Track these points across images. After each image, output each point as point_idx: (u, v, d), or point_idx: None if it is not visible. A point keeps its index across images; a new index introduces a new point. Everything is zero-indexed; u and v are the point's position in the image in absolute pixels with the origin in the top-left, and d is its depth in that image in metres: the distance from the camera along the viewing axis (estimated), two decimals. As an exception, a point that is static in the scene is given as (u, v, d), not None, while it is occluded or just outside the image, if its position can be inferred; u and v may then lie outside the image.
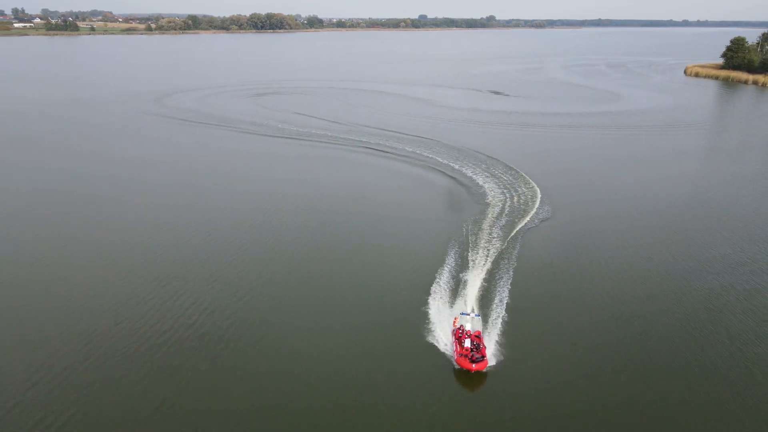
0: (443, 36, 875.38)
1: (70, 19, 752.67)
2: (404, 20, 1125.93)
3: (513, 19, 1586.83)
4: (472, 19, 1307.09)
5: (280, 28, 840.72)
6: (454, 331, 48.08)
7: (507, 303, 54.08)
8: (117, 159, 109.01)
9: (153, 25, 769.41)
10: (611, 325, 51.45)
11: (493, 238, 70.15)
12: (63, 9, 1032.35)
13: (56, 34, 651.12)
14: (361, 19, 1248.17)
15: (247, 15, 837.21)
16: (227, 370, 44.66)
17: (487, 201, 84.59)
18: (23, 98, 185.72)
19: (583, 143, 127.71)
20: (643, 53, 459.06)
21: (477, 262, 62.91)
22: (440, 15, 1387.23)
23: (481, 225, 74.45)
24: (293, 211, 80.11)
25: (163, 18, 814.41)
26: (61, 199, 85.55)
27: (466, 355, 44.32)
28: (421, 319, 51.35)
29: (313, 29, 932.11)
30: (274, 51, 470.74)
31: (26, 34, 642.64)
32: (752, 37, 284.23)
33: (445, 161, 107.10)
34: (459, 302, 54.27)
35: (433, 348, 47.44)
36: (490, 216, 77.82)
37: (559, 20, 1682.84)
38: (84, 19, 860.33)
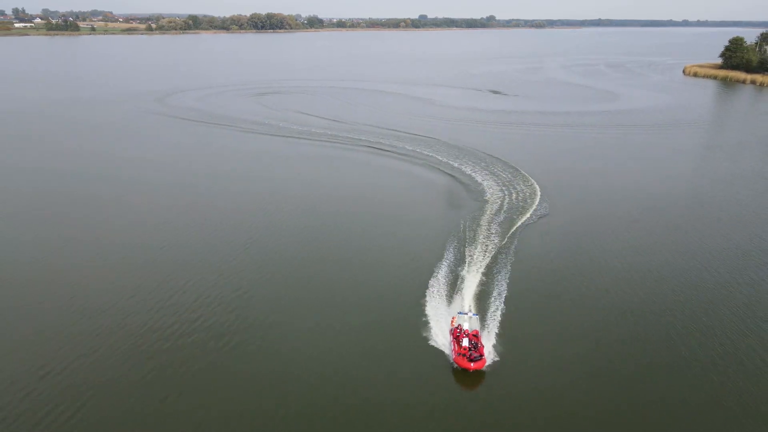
0: (443, 36, 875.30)
1: (71, 19, 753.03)
2: (404, 20, 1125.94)
3: (513, 19, 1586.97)
4: (472, 19, 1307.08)
5: (280, 28, 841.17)
6: (452, 330, 48.29)
7: (505, 302, 54.25)
8: (117, 159, 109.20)
9: (153, 25, 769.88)
10: (609, 323, 51.62)
11: (491, 233, 70.81)
12: (63, 9, 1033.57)
13: (57, 34, 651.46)
14: (361, 19, 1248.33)
15: (248, 15, 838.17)
16: (227, 370, 44.82)
17: (486, 198, 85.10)
18: (23, 98, 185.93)
19: (583, 142, 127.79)
20: (642, 53, 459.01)
21: (476, 260, 63.14)
22: (440, 15, 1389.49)
23: (480, 222, 74.86)
24: (293, 210, 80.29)
25: (163, 18, 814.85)
26: (61, 199, 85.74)
27: (464, 354, 44.52)
28: (420, 319, 51.53)
29: (313, 29, 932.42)
30: (275, 51, 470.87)
31: (27, 34, 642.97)
32: (752, 37, 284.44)
33: (445, 159, 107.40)
34: (457, 301, 54.46)
35: (432, 347, 47.63)
36: (488, 213, 78.27)
37: (559, 20, 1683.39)
38: (84, 19, 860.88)
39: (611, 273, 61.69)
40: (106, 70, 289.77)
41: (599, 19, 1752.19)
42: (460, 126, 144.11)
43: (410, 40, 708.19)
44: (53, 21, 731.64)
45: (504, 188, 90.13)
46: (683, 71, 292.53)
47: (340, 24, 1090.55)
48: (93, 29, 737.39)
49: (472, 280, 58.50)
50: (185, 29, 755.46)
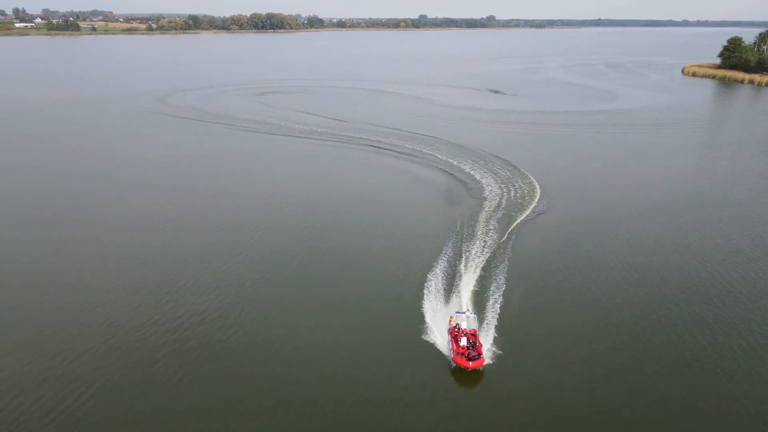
0: (443, 36, 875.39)
1: (71, 19, 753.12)
2: (404, 20, 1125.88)
3: (513, 19, 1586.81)
4: (472, 19, 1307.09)
5: (280, 28, 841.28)
6: (450, 329, 48.50)
7: (503, 301, 54.39)
8: (117, 159, 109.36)
9: (154, 25, 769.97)
10: (608, 323, 51.72)
11: (490, 230, 71.32)
12: (63, 9, 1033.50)
13: (58, 34, 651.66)
14: (362, 19, 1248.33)
15: (248, 15, 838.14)
16: (227, 369, 44.96)
17: (484, 196, 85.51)
18: (23, 98, 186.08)
19: (582, 141, 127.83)
20: (642, 53, 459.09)
21: (474, 258, 63.31)
22: (440, 15, 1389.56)
23: (478, 220, 75.23)
24: (293, 210, 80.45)
25: (163, 18, 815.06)
26: (61, 199, 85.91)
27: (462, 353, 44.73)
28: (419, 318, 51.71)
29: (313, 29, 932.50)
30: (275, 51, 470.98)
31: (28, 34, 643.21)
32: (752, 37, 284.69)
33: (445, 158, 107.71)
34: (455, 301, 54.65)
35: (431, 346, 47.81)
36: (486, 211, 78.59)
37: (559, 20, 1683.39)
38: (85, 19, 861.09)
39: (610, 271, 61.82)
40: (107, 70, 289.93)
41: (599, 19, 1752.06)
42: (460, 125, 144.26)
43: (410, 40, 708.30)
44: (54, 21, 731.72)
45: (503, 186, 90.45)
46: (682, 71, 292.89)
47: (340, 24, 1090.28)
48: (94, 29, 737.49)
49: (470, 280, 58.68)
50: (185, 29, 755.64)
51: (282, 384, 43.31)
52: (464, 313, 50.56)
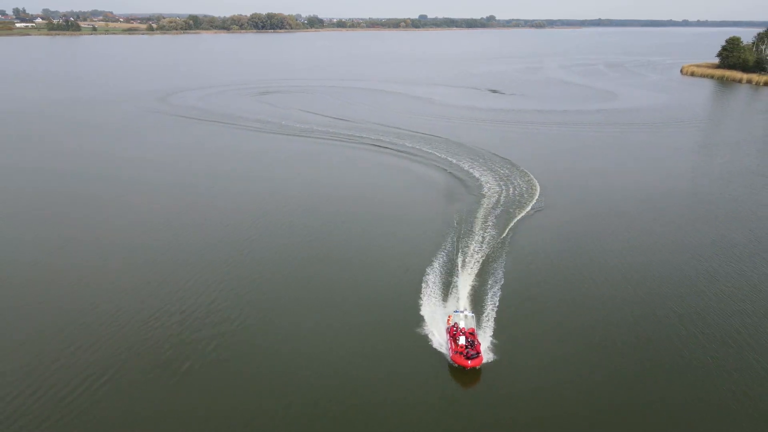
0: (443, 36, 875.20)
1: (72, 19, 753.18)
2: (404, 20, 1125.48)
3: (513, 19, 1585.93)
4: (472, 19, 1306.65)
5: (280, 28, 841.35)
6: (448, 329, 48.68)
7: (501, 300, 54.52)
8: (117, 159, 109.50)
9: (154, 25, 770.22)
10: (607, 322, 51.81)
11: (488, 228, 71.58)
12: (63, 9, 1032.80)
13: (58, 34, 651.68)
14: (362, 19, 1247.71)
15: (248, 15, 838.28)
16: (227, 369, 45.06)
17: (483, 194, 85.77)
18: (24, 98, 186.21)
19: (581, 140, 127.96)
20: (642, 53, 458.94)
21: (473, 258, 63.46)
22: (440, 15, 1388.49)
23: (477, 218, 75.53)
24: (293, 210, 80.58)
25: (164, 18, 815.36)
26: (61, 199, 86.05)
27: (461, 352, 44.89)
28: (418, 318, 51.82)
29: (313, 29, 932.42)
30: (275, 51, 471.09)
31: (28, 34, 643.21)
32: (752, 37, 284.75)
33: (445, 157, 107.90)
34: (453, 300, 54.80)
35: (430, 346, 47.95)
36: (485, 210, 78.88)
37: (559, 20, 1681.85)
38: (85, 19, 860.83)
39: (609, 270, 61.93)
40: (107, 70, 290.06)
41: (599, 19, 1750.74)
42: (460, 125, 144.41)
43: (410, 40, 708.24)
44: (54, 21, 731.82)
45: (502, 184, 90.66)
46: (681, 71, 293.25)
47: (340, 24, 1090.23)
48: (94, 29, 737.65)
49: (468, 279, 58.84)
50: (186, 29, 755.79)
51: (282, 384, 43.42)
52: (462, 312, 50.75)
